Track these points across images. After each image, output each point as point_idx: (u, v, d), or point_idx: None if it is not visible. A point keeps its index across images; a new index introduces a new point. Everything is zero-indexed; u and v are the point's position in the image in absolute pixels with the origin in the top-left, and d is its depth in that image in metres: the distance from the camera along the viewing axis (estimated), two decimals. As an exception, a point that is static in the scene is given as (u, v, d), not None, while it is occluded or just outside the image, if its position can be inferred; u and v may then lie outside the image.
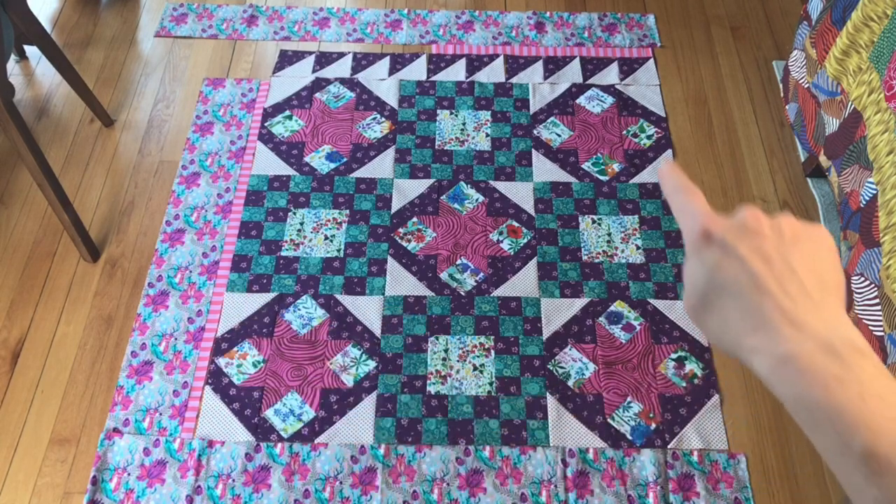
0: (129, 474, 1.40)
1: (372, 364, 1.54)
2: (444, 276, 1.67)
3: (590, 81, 2.05)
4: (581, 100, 2.01)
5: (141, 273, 1.67)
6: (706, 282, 0.39)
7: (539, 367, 1.54)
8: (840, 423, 0.33)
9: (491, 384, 1.52)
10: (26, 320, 1.60)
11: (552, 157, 1.88)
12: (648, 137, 1.93)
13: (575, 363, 1.55)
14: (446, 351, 1.56)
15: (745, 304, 0.37)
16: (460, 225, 1.76)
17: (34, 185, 1.79)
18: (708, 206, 0.41)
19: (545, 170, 1.86)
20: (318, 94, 2.00)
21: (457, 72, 2.07)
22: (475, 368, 1.54)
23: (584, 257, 1.70)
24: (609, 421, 1.48)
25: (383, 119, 1.95)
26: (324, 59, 2.08)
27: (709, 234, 0.39)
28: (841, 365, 0.34)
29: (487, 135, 1.92)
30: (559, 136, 1.93)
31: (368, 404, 1.49)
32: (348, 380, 1.52)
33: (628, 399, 1.50)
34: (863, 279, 1.32)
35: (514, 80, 2.05)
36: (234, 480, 1.40)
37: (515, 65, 2.09)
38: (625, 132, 1.94)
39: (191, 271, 1.67)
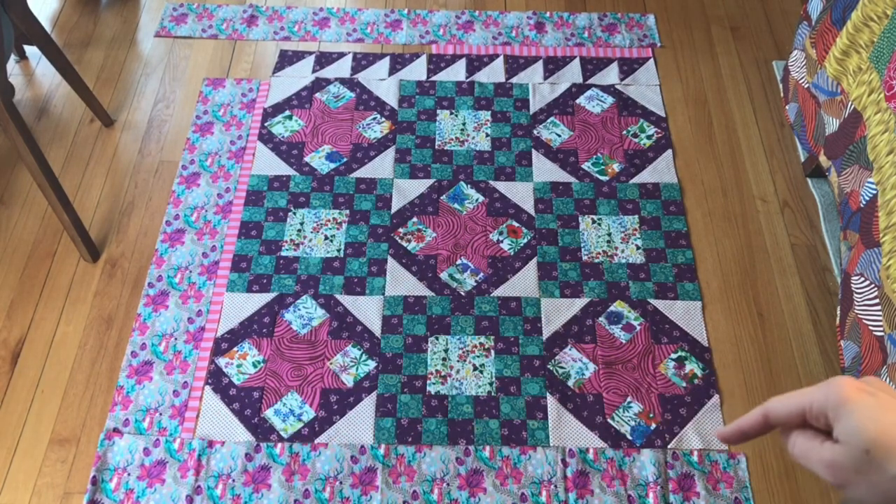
0: (129, 474, 1.40)
1: (372, 364, 1.54)
2: (444, 276, 1.67)
3: (590, 81, 2.05)
4: (581, 100, 2.01)
5: (141, 273, 1.67)
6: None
7: (539, 368, 1.54)
8: None
9: (491, 384, 1.52)
10: (26, 320, 1.60)
11: (552, 157, 1.88)
12: (648, 137, 1.93)
13: (575, 363, 1.55)
14: (446, 351, 1.56)
15: None
16: (460, 225, 1.76)
17: (34, 185, 1.79)
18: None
19: (545, 170, 1.86)
20: (318, 94, 2.00)
21: (457, 72, 2.07)
22: (475, 368, 1.54)
23: (584, 257, 1.70)
24: (609, 421, 1.48)
25: (383, 119, 1.95)
26: (324, 59, 2.08)
27: (860, 388, 0.40)
28: None
29: (487, 135, 1.92)
30: (559, 136, 1.93)
31: (368, 404, 1.49)
32: (348, 380, 1.52)
33: (628, 399, 1.50)
34: (863, 279, 1.32)
35: (514, 80, 2.05)
36: (234, 480, 1.40)
37: (515, 65, 2.09)
38: (625, 132, 1.94)
39: (191, 271, 1.67)
